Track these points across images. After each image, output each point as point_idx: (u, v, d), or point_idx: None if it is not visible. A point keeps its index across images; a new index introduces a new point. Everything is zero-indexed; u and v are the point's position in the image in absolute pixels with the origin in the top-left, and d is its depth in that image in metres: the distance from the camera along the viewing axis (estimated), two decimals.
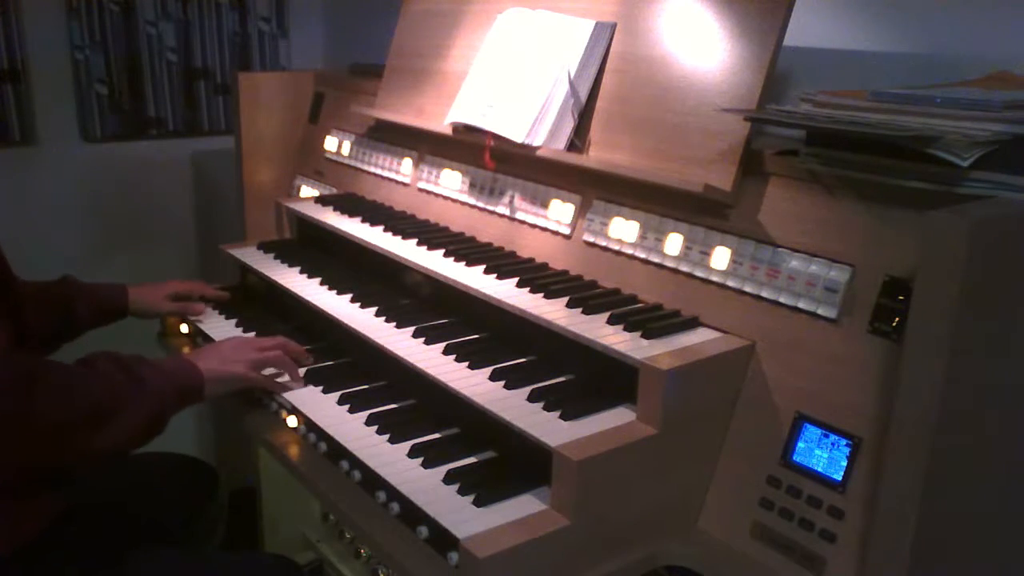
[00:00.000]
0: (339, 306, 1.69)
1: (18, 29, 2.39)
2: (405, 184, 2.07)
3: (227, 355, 1.50)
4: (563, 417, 1.26)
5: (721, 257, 1.38)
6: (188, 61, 2.70)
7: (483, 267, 1.62)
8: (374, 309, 1.65)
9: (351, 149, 2.27)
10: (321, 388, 1.56)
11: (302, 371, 1.59)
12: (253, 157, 2.47)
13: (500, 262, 1.64)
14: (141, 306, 1.83)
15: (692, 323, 1.39)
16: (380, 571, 2.14)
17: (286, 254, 1.99)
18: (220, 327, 1.83)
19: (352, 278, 1.81)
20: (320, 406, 1.50)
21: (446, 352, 1.47)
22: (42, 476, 1.36)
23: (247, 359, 1.51)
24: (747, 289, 1.34)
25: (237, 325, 1.83)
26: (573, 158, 1.60)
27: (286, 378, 1.57)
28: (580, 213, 1.63)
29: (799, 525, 1.22)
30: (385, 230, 1.85)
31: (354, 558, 2.24)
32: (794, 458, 1.24)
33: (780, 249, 1.32)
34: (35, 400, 1.20)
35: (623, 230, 1.54)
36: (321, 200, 2.13)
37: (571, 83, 1.61)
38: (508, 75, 1.73)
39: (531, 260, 1.68)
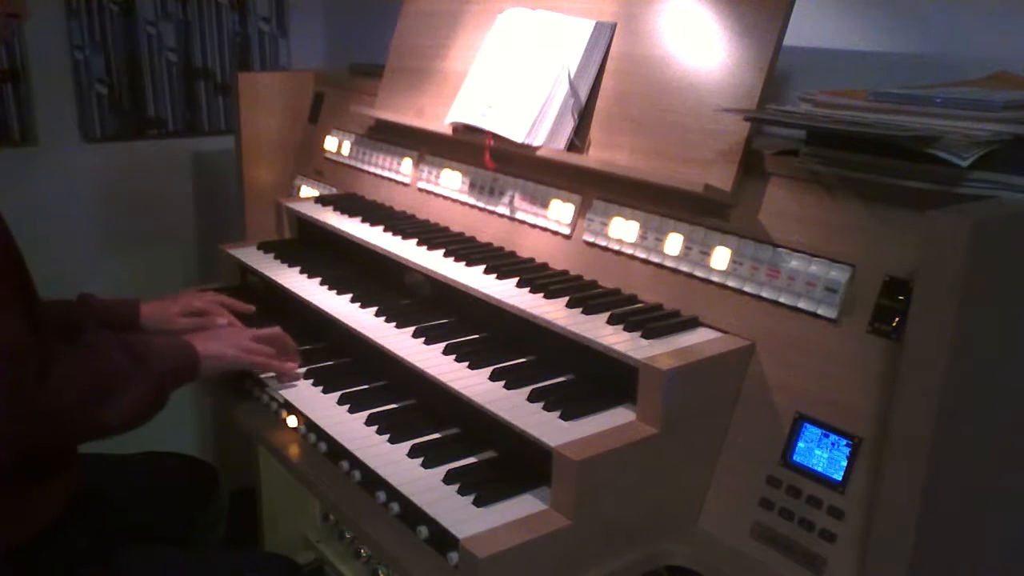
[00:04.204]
0: (339, 306, 1.69)
1: (18, 29, 2.39)
2: (405, 184, 2.07)
3: (223, 338, 1.56)
4: (563, 417, 1.26)
5: (721, 257, 1.38)
6: (188, 61, 2.70)
7: (483, 267, 1.62)
8: (374, 309, 1.65)
9: (351, 149, 2.27)
10: (321, 388, 1.56)
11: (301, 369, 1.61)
12: (253, 157, 2.47)
13: (500, 262, 1.64)
14: (154, 323, 1.79)
15: (692, 323, 1.39)
16: (380, 571, 2.14)
17: (286, 254, 1.99)
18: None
19: (352, 278, 1.81)
20: (320, 406, 1.50)
21: (446, 352, 1.47)
22: (45, 456, 1.38)
23: (242, 343, 1.55)
24: (747, 289, 1.34)
25: None
26: (573, 158, 1.60)
27: (275, 371, 1.59)
28: (580, 213, 1.63)
29: (799, 525, 1.22)
30: (385, 230, 1.85)
31: (354, 558, 2.24)
32: (794, 458, 1.24)
33: (780, 249, 1.32)
34: (48, 377, 1.24)
35: (623, 230, 1.54)
36: (321, 200, 2.13)
37: (571, 83, 1.61)
38: (508, 75, 1.73)
39: (531, 260, 1.68)
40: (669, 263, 1.46)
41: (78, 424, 1.30)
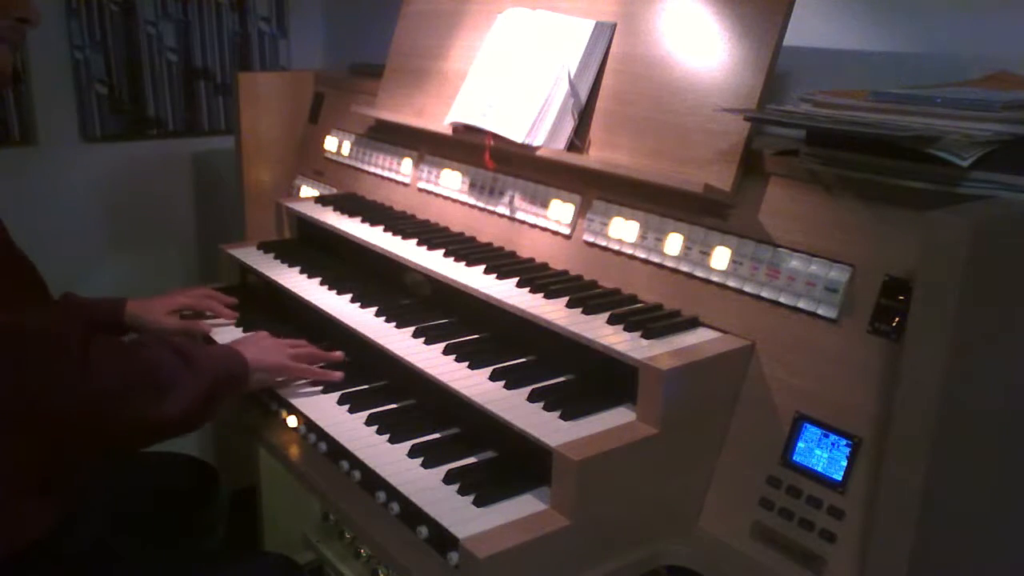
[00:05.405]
0: (339, 306, 1.69)
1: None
2: (405, 184, 2.07)
3: (265, 346, 1.54)
4: (563, 417, 1.26)
5: (721, 257, 1.38)
6: (188, 61, 2.70)
7: (483, 267, 1.62)
8: (374, 309, 1.65)
9: (351, 149, 2.27)
10: (321, 388, 1.56)
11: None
12: (253, 157, 2.47)
13: (500, 262, 1.64)
14: (141, 321, 1.78)
15: (692, 323, 1.39)
16: (380, 571, 2.14)
17: (286, 254, 1.99)
18: (220, 328, 1.82)
19: (352, 278, 1.81)
20: (320, 406, 1.50)
21: (446, 352, 1.47)
22: (97, 450, 1.36)
23: (285, 352, 1.54)
24: (747, 289, 1.34)
25: (237, 326, 1.82)
26: (573, 158, 1.60)
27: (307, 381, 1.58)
28: (580, 213, 1.63)
29: (799, 525, 1.22)
30: (385, 230, 1.85)
31: (354, 558, 2.24)
32: (794, 458, 1.24)
33: (780, 249, 1.32)
34: (90, 362, 1.22)
35: (623, 230, 1.54)
36: (321, 200, 2.13)
37: (571, 83, 1.61)
38: (508, 75, 1.73)
39: (531, 260, 1.68)
40: (669, 263, 1.46)
41: (125, 416, 1.26)
